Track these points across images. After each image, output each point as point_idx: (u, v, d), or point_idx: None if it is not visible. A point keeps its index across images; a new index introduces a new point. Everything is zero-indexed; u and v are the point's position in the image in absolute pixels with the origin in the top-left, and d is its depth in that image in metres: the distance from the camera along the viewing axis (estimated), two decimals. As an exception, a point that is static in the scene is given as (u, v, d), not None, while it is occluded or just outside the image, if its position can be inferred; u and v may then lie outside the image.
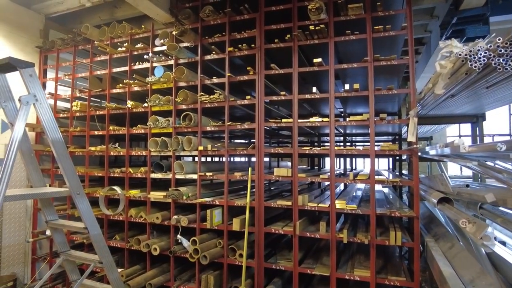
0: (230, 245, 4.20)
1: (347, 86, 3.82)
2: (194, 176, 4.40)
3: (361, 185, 6.43)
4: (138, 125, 4.80)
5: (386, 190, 6.37)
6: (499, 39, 2.07)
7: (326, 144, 8.06)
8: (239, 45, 4.29)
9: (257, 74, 4.21)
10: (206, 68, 4.74)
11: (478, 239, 2.21)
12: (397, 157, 5.80)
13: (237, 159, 9.27)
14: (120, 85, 5.04)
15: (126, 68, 5.04)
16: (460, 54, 2.22)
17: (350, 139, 7.51)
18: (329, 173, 3.86)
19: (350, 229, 3.90)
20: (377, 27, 3.71)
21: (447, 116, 4.42)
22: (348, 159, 8.45)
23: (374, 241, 3.53)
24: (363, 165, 12.57)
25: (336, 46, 4.13)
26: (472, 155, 3.02)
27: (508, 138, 8.49)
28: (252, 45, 4.28)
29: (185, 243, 4.17)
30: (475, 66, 2.11)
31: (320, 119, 3.94)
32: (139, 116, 5.07)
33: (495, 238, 3.84)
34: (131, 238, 4.72)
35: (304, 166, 7.91)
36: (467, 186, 3.43)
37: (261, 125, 4.13)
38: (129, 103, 4.84)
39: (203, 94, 4.40)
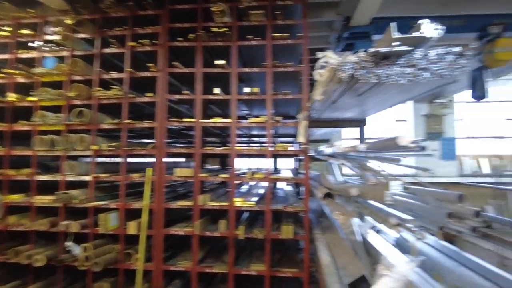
0: (127, 249, 4.00)
1: (248, 89, 3.96)
2: (89, 178, 4.08)
3: (267, 184, 6.71)
4: (19, 121, 4.25)
5: (290, 188, 6.78)
6: (362, 54, 2.37)
7: (237, 144, 8.16)
8: (142, 40, 4.13)
9: (160, 71, 4.11)
10: (108, 63, 4.43)
11: (345, 229, 2.51)
12: (298, 157, 6.24)
13: (148, 160, 8.83)
14: (1, 74, 4.41)
15: (10, 56, 4.43)
16: (333, 65, 2.49)
17: (259, 140, 7.83)
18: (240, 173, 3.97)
19: (248, 226, 4.05)
20: (276, 34, 3.94)
21: (338, 120, 4.92)
22: (270, 160, 8.68)
23: (269, 236, 3.73)
24: (275, 165, 13.12)
25: (243, 50, 4.26)
26: (352, 154, 3.41)
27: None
28: (156, 41, 4.16)
29: (76, 250, 3.84)
30: (343, 76, 2.38)
31: (222, 120, 4.02)
32: (26, 111, 4.50)
33: (374, 227, 4.35)
34: (11, 249, 4.15)
35: (216, 167, 7.98)
36: (346, 182, 3.87)
37: (163, 124, 4.03)
38: (11, 96, 4.27)
39: (100, 89, 4.12)
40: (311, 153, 5.00)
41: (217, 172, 4.89)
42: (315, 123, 4.56)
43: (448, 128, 8.43)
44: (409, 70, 2.32)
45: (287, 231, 3.70)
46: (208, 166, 7.44)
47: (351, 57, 2.50)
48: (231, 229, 3.82)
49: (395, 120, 8.91)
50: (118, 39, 4.21)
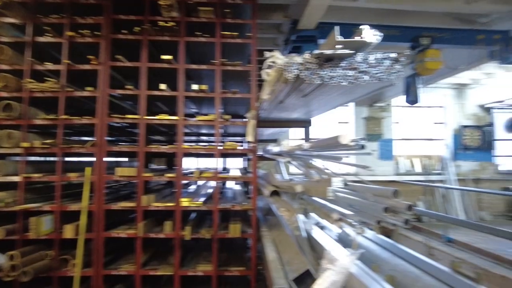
0: (63, 255, 3.70)
1: (196, 86, 3.89)
2: (18, 179, 3.69)
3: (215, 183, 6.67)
4: None
5: (239, 187, 6.81)
6: (307, 55, 2.45)
7: (184, 143, 7.93)
8: (82, 31, 3.85)
9: (102, 65, 3.86)
10: (43, 53, 4.04)
11: (290, 224, 2.58)
12: (247, 157, 6.28)
13: (87, 159, 8.23)
14: None
15: None
16: (280, 65, 2.54)
17: (208, 139, 7.74)
18: (187, 172, 3.87)
19: (196, 226, 3.98)
20: (226, 33, 3.92)
21: (285, 120, 5.03)
22: (219, 159, 8.57)
23: (216, 235, 3.70)
24: (225, 165, 13.05)
25: (191, 47, 4.17)
26: (298, 153, 3.51)
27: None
28: (98, 33, 3.91)
29: (0, 259, 3.45)
30: (289, 77, 2.44)
31: (168, 117, 3.90)
32: None
33: (318, 224, 4.51)
34: None
35: (163, 167, 7.73)
36: (292, 180, 3.98)
37: (104, 120, 3.80)
38: None
39: (33, 81, 3.76)
40: (260, 152, 5.07)
41: (162, 172, 4.73)
42: (263, 123, 4.63)
43: (386, 130, 9.08)
44: (350, 72, 2.45)
45: (234, 230, 3.70)
46: (154, 166, 7.18)
47: (297, 58, 2.57)
48: (177, 230, 3.72)
49: (338, 122, 9.37)
50: (54, 27, 3.87)
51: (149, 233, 3.76)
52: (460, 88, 9.33)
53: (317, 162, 3.28)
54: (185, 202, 3.79)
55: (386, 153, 8.92)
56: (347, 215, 2.36)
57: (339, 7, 4.93)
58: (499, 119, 9.39)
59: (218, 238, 3.75)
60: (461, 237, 5.84)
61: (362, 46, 2.38)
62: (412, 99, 5.29)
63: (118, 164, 6.64)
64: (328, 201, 2.86)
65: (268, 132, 6.65)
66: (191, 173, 4.50)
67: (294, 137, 8.79)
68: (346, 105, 8.87)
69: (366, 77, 2.45)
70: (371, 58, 2.44)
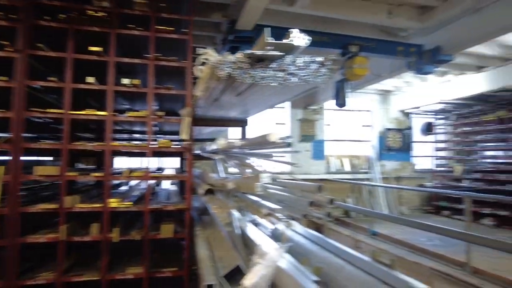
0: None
1: (127, 81, 3.72)
2: None
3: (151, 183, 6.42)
4: None
5: (175, 187, 6.65)
6: (240, 55, 2.49)
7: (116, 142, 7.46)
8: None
9: (19, 52, 3.50)
10: None
11: (222, 221, 2.60)
12: (184, 156, 6.16)
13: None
14: None
15: None
16: (212, 62, 2.55)
17: (142, 137, 7.42)
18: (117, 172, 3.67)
19: (126, 228, 3.80)
20: (161, 27, 3.82)
21: (222, 119, 5.06)
22: (153, 158, 8.20)
23: (147, 236, 3.58)
24: (160, 164, 12.58)
25: (124, 40, 3.96)
26: (233, 152, 3.55)
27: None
28: (14, 16, 3.52)
29: None
30: (221, 75, 2.46)
31: (96, 112, 3.68)
32: None
33: (253, 221, 4.58)
34: None
35: (92, 167, 7.21)
36: (226, 178, 4.02)
37: (21, 114, 3.44)
38: None
39: None
40: (197, 151, 5.02)
41: (90, 172, 4.43)
42: (200, 121, 4.59)
43: (319, 132, 9.60)
44: (280, 74, 2.55)
45: (166, 230, 3.61)
46: (82, 166, 6.68)
47: (230, 57, 2.60)
48: (104, 232, 3.52)
49: (275, 123, 9.66)
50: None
51: (73, 236, 3.50)
52: (385, 94, 10.24)
53: (252, 161, 3.37)
54: (113, 203, 3.60)
55: (319, 153, 9.43)
56: (276, 210, 2.46)
57: (276, 11, 5.08)
58: (416, 123, 10.51)
59: (150, 239, 3.63)
60: (384, 230, 6.42)
61: (291, 49, 2.50)
62: (341, 103, 5.68)
63: (41, 163, 6.06)
64: (260, 197, 2.94)
65: (206, 131, 6.61)
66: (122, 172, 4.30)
67: (232, 136, 8.84)
68: (282, 107, 9.18)
69: (295, 79, 2.57)
70: (299, 61, 2.57)
